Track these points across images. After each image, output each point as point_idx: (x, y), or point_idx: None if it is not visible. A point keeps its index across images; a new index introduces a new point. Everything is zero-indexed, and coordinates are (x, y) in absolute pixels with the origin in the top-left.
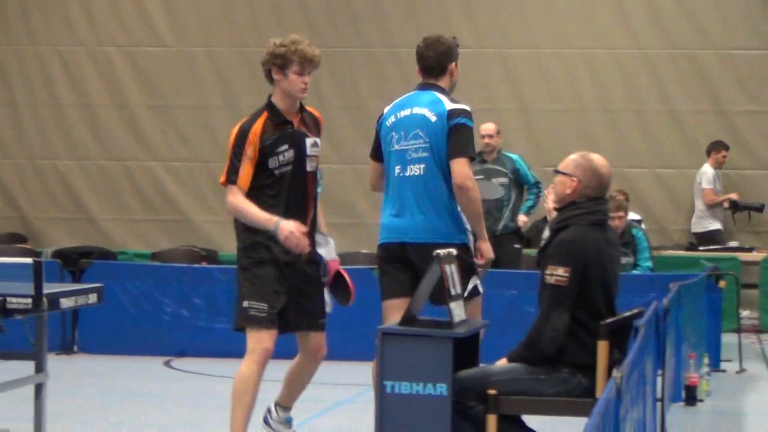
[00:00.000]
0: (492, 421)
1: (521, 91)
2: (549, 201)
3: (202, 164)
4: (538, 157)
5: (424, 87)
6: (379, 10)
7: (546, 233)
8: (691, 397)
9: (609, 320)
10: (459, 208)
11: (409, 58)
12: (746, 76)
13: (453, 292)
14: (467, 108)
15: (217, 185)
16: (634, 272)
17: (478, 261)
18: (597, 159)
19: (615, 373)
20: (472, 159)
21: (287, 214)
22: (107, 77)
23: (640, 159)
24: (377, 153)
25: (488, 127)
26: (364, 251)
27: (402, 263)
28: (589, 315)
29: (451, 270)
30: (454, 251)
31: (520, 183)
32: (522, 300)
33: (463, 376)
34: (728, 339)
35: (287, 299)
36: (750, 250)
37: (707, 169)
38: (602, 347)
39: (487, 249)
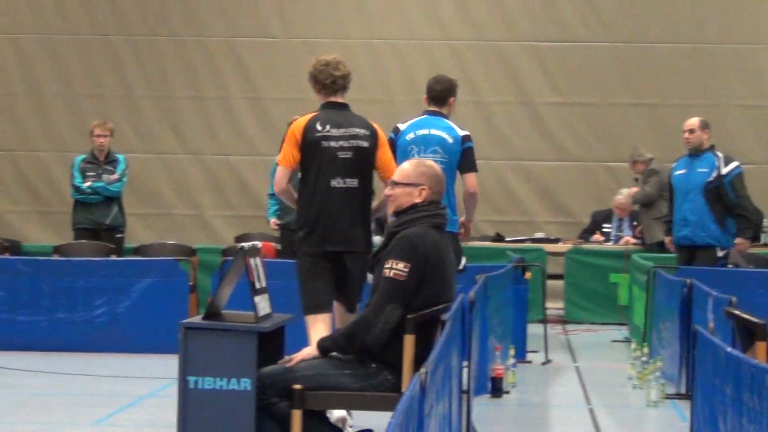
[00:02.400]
0: (297, 416)
1: None
2: None
3: (5, 153)
4: None
5: (433, 113)
6: None
7: None
8: (496, 388)
9: (415, 314)
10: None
11: (218, 48)
12: (552, 68)
13: (258, 286)
14: (469, 133)
15: (21, 174)
16: None
17: (463, 234)
18: (432, 163)
19: (421, 369)
20: (477, 172)
21: None
22: None
23: None
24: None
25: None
26: (170, 242)
27: None
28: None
29: (256, 263)
30: (259, 244)
31: None
32: None
33: (266, 371)
34: (534, 330)
35: None
36: (556, 241)
37: None
38: (408, 341)
39: (469, 227)
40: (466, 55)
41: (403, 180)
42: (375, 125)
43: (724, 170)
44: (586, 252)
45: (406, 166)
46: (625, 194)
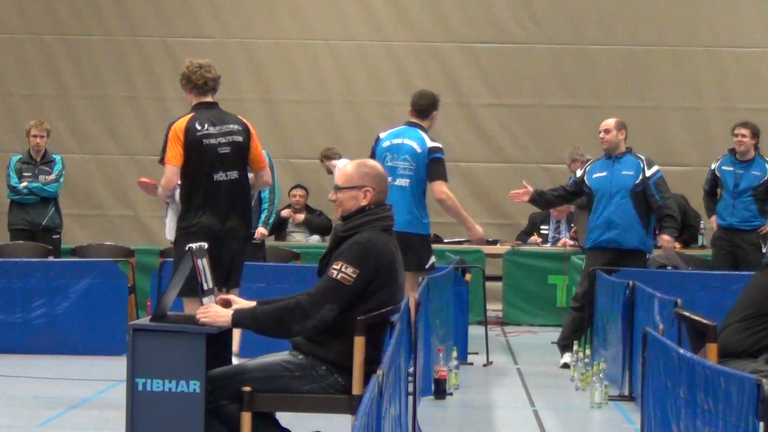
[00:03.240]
0: (247, 418)
1: (266, 82)
2: None
3: None
4: (283, 149)
5: (412, 125)
6: None
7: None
8: (440, 390)
9: (365, 316)
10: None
11: (153, 48)
12: (489, 70)
13: (205, 287)
14: (440, 145)
15: None
16: None
17: (472, 239)
18: (374, 163)
19: (378, 371)
20: (446, 181)
21: None
22: None
23: None
24: None
25: None
26: (108, 243)
27: None
28: None
29: (203, 264)
30: (205, 245)
31: None
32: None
33: (216, 373)
34: (474, 331)
35: None
36: (494, 242)
37: None
38: (358, 343)
39: (475, 230)
40: (402, 55)
41: (346, 184)
42: (246, 121)
43: (648, 173)
44: (524, 254)
45: (348, 168)
46: None
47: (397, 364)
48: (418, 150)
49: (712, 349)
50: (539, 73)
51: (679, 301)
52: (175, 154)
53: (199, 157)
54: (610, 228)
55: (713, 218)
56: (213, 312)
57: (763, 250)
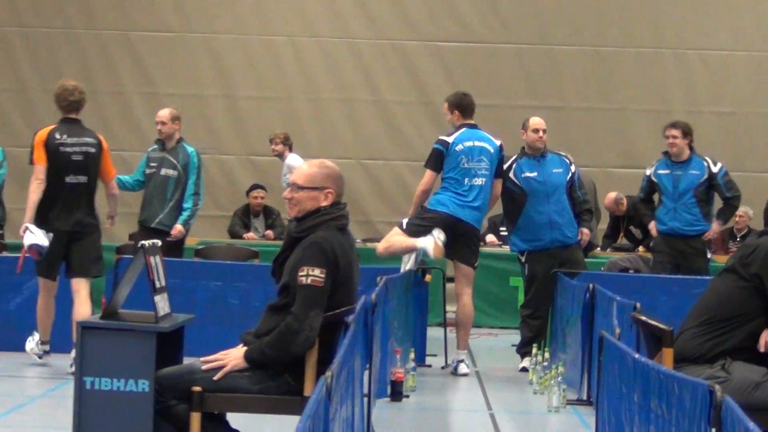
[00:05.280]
0: (196, 419)
1: (227, 78)
2: None
3: None
4: (243, 145)
5: (472, 126)
6: None
7: None
8: (396, 392)
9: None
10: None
11: (114, 41)
12: (454, 69)
13: (158, 285)
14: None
15: None
16: None
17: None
18: (332, 163)
19: (327, 372)
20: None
21: None
22: None
23: (347, 149)
24: (439, 167)
25: (163, 113)
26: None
27: (452, 231)
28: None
29: (156, 262)
30: (158, 242)
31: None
32: (228, 292)
33: (165, 373)
34: (433, 333)
35: None
36: None
37: None
38: None
39: None
40: (365, 53)
41: (308, 184)
42: (100, 137)
43: (572, 168)
44: (485, 255)
45: (308, 168)
46: None
47: (350, 365)
48: (491, 150)
49: (668, 354)
50: (504, 73)
51: (638, 305)
52: (41, 156)
53: (54, 162)
54: (553, 228)
55: (652, 224)
56: (231, 358)
57: (709, 256)
